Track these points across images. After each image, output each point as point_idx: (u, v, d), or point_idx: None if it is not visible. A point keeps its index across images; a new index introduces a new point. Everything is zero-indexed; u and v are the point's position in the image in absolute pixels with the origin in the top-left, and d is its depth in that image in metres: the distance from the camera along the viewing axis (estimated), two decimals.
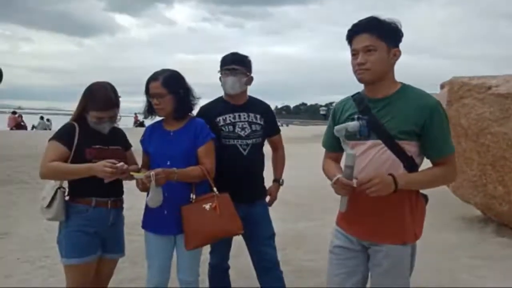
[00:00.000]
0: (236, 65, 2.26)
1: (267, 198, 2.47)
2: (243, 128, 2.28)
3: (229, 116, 2.29)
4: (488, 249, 3.90)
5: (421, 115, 1.54)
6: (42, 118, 21.65)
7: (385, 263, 1.61)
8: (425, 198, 1.69)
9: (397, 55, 1.60)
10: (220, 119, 2.28)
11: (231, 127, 2.27)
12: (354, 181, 1.55)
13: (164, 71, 2.08)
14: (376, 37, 1.55)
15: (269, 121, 2.41)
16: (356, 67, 1.59)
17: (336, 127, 1.64)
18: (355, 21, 1.62)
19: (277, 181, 2.51)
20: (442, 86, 5.09)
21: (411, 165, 1.58)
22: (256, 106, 2.39)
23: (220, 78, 2.31)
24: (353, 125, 1.61)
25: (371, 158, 1.59)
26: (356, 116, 1.64)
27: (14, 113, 20.90)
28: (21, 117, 20.74)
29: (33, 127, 20.95)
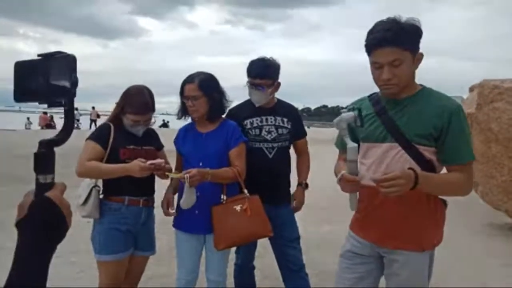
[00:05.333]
0: (261, 79, 2.23)
1: (294, 203, 2.44)
2: (269, 132, 2.29)
3: (256, 120, 2.31)
4: None
5: (439, 119, 1.46)
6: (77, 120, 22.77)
7: (403, 273, 1.54)
8: (444, 203, 1.60)
9: (420, 58, 1.52)
10: (247, 122, 2.30)
11: (257, 131, 2.29)
12: (361, 175, 1.49)
13: (199, 73, 2.10)
14: (401, 49, 1.45)
15: (295, 124, 2.40)
16: (381, 82, 1.50)
17: (335, 120, 1.56)
18: (373, 25, 1.50)
19: (301, 185, 2.46)
20: (471, 89, 4.97)
21: (429, 170, 1.50)
22: (284, 109, 2.39)
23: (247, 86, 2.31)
24: (347, 115, 1.53)
25: (388, 162, 1.53)
26: (352, 107, 1.57)
27: (45, 113, 21.72)
28: (52, 117, 21.56)
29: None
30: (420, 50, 1.51)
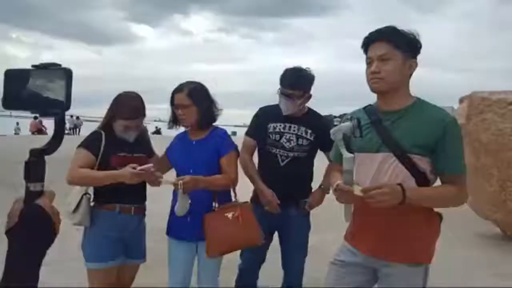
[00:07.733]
0: (292, 89, 2.22)
1: (309, 200, 2.39)
2: (289, 140, 2.29)
3: (280, 125, 2.32)
4: (509, 267, 3.81)
5: (436, 130, 1.49)
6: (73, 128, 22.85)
7: (397, 286, 1.54)
8: (440, 217, 1.61)
9: (413, 66, 1.56)
10: (271, 125, 2.33)
11: (277, 136, 2.30)
12: (356, 187, 1.47)
13: (189, 83, 2.13)
14: (393, 46, 1.51)
15: (321, 137, 2.28)
16: (370, 76, 1.55)
17: (332, 130, 1.58)
18: (371, 30, 1.57)
19: (320, 186, 2.42)
20: (461, 101, 5.04)
21: (423, 181, 1.52)
22: (311, 120, 2.34)
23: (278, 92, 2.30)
24: (345, 126, 1.55)
25: (383, 172, 1.53)
26: (349, 117, 1.59)
27: (35, 118, 21.47)
28: (41, 122, 21.35)
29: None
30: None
